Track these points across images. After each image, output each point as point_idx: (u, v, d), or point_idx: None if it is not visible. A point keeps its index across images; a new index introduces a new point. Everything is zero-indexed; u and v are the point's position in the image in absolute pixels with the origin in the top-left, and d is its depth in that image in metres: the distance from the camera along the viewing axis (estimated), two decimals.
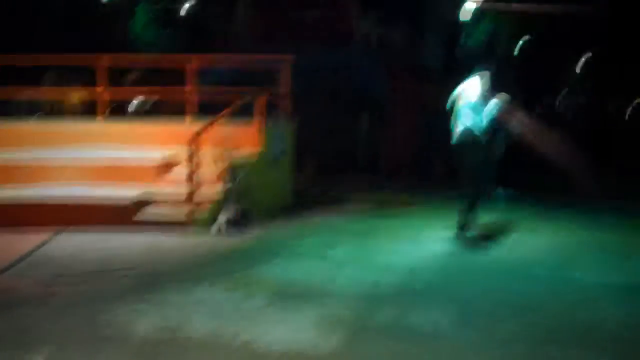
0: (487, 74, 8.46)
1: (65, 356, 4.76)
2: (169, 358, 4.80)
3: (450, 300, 6.19)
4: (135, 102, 19.14)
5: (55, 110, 18.64)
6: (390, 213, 10.99)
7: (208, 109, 11.42)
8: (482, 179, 8.40)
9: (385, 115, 16.46)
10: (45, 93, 17.30)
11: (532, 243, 8.77)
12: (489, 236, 8.88)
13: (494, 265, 7.54)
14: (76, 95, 18.00)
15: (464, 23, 17.97)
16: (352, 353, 4.94)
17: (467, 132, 8.15)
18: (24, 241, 8.49)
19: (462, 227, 8.29)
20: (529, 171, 13.43)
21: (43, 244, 8.47)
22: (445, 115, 8.45)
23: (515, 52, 18.36)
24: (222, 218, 9.25)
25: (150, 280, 6.83)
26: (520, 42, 18.61)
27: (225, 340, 5.11)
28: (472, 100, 8.24)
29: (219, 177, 9.77)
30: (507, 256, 8.02)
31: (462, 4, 17.51)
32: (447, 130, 8.44)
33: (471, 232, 8.30)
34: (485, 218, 9.10)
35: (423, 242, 8.54)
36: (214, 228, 9.20)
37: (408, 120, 16.81)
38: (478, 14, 17.68)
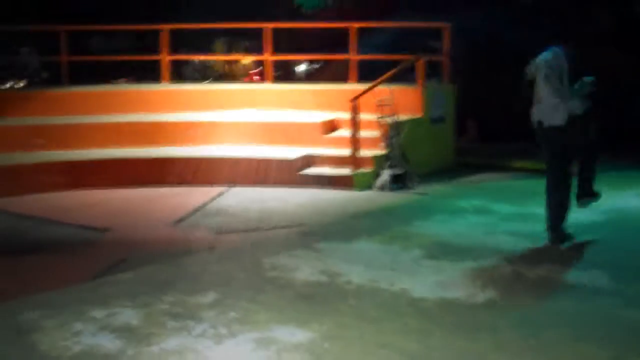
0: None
1: (230, 296, 5.07)
2: (328, 299, 5.01)
3: (609, 259, 6.03)
4: (300, 67, 19.60)
5: (225, 75, 19.51)
6: None
7: (369, 74, 11.59)
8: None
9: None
10: (217, 58, 18.10)
11: None
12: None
13: None
14: (244, 61, 18.73)
15: None
16: (506, 304, 4.95)
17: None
18: (199, 195, 9.07)
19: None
20: None
21: (215, 197, 9.00)
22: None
23: None
24: (384, 175, 9.43)
25: (312, 230, 7.11)
26: None
27: (382, 287, 5.27)
28: None
29: (381, 139, 9.94)
30: None
31: None
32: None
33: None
34: None
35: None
36: (377, 184, 9.44)
37: None
38: None
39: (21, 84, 18.51)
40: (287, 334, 4.38)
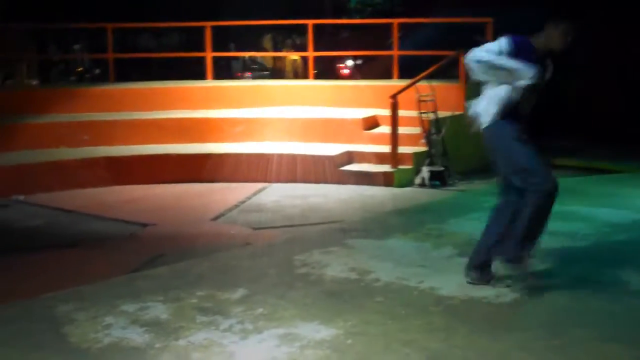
0: None
1: (260, 292, 5.14)
2: (355, 297, 5.05)
3: None
4: (347, 63, 19.61)
5: (270, 71, 19.67)
6: (595, 178, 10.52)
7: (412, 70, 11.56)
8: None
9: (584, 71, 15.04)
10: (261, 54, 18.24)
11: None
12: None
13: None
14: (290, 58, 18.84)
15: None
16: (535, 304, 4.92)
17: None
18: (239, 191, 9.22)
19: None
20: None
21: (255, 193, 9.13)
22: None
23: None
24: (424, 172, 9.42)
25: (348, 227, 7.14)
26: None
27: (410, 284, 5.29)
28: None
29: (421, 135, 9.93)
30: None
31: None
32: None
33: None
34: None
35: (626, 204, 8.10)
36: (416, 181, 9.45)
37: (613, 75, 15.36)
38: None
39: (72, 80, 18.93)
40: (311, 331, 4.43)
